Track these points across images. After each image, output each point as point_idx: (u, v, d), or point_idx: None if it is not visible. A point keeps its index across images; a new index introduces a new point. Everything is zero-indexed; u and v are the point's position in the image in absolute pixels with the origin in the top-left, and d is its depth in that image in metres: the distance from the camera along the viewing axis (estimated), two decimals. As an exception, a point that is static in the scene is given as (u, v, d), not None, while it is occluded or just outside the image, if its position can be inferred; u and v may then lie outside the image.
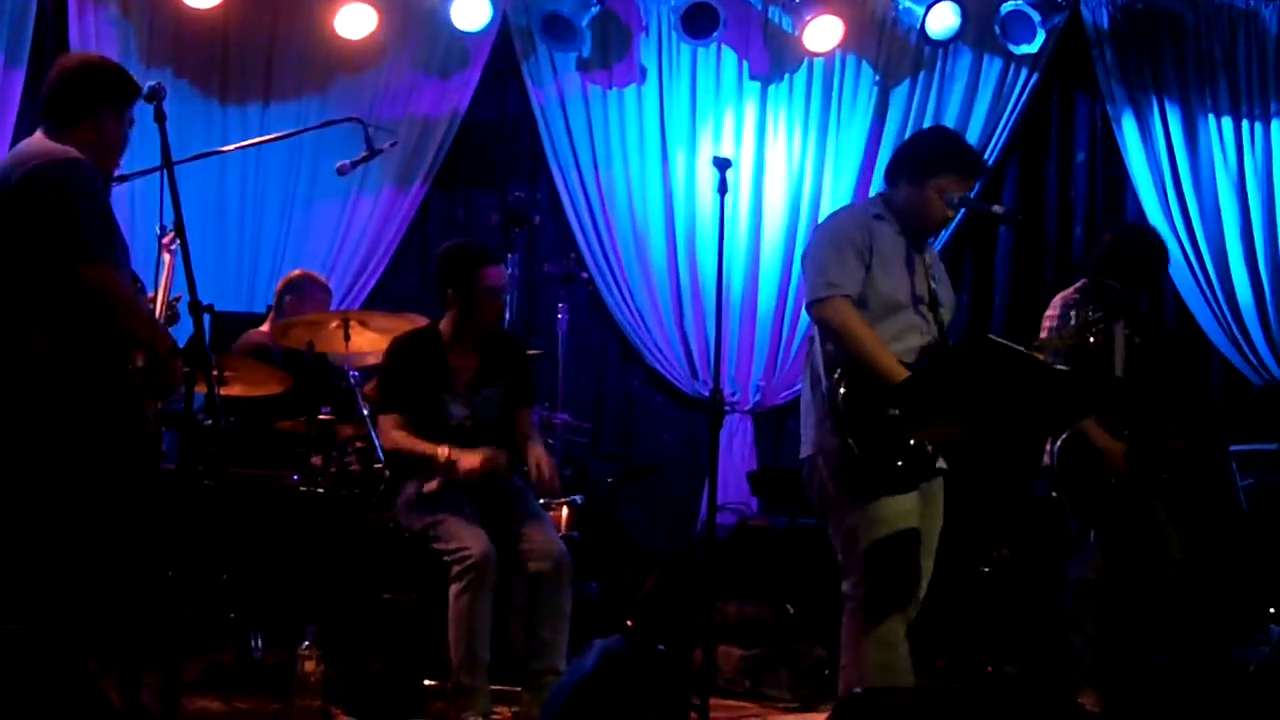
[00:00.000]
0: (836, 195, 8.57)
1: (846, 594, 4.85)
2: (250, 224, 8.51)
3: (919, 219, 4.91)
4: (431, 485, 5.68)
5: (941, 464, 4.85)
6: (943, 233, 8.30)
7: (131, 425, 4.61)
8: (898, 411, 4.56)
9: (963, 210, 7.23)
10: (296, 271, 7.49)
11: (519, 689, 5.63)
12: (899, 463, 4.65)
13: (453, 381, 5.85)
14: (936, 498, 4.92)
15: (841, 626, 4.87)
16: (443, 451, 5.63)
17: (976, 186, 8.26)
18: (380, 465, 6.25)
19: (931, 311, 4.89)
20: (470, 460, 5.56)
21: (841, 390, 4.65)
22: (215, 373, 5.75)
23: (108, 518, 4.50)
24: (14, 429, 4.46)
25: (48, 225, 4.47)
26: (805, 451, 4.93)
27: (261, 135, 7.71)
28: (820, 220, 5.86)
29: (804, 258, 4.98)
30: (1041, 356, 4.83)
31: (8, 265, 4.52)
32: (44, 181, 4.50)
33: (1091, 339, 5.20)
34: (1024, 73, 8.56)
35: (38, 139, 4.68)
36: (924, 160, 4.95)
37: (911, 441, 4.66)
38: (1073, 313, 5.59)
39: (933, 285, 4.91)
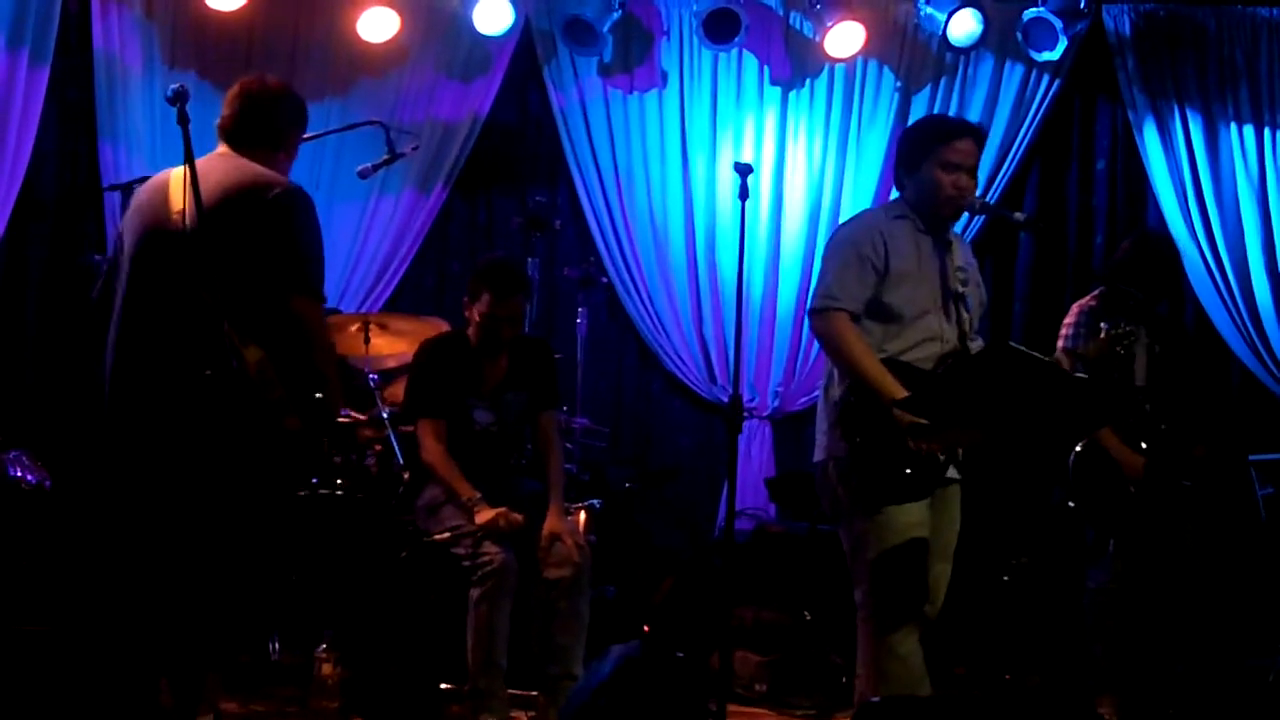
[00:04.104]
0: (857, 201, 8.55)
1: (858, 603, 4.85)
2: (271, 226, 8.51)
3: (932, 203, 4.89)
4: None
5: (953, 473, 4.84)
6: (969, 233, 8.36)
7: (307, 458, 4.65)
8: (913, 420, 4.56)
9: (984, 215, 7.25)
10: None
11: (536, 693, 5.65)
12: (908, 470, 4.64)
13: (479, 387, 5.87)
14: (952, 504, 4.90)
15: (857, 635, 4.88)
16: (467, 495, 5.65)
17: (995, 192, 8.33)
18: (400, 467, 6.27)
19: (958, 313, 4.88)
20: (485, 515, 5.58)
21: (852, 396, 4.66)
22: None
23: (256, 542, 4.55)
24: (206, 439, 4.43)
25: (279, 251, 4.48)
26: (818, 456, 4.93)
27: (283, 137, 7.72)
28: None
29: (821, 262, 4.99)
30: (1067, 362, 4.82)
31: (229, 277, 4.45)
32: (289, 209, 4.53)
33: (1120, 350, 5.18)
34: (1045, 80, 8.54)
35: (245, 160, 4.66)
36: (914, 147, 4.98)
37: (922, 450, 4.65)
38: (1103, 324, 5.58)
39: (961, 287, 4.89)
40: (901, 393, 4.57)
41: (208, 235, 4.37)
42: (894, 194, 5.18)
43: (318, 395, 4.51)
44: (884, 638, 4.76)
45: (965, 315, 4.89)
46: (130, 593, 4.51)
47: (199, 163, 4.48)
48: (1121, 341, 5.19)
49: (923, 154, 4.90)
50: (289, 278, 4.50)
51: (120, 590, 4.56)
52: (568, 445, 7.00)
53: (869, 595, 4.80)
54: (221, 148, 4.74)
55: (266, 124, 4.78)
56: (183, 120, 4.54)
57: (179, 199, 4.54)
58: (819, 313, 4.80)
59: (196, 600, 4.45)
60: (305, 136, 7.07)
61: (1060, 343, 6.09)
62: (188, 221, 4.42)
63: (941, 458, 4.69)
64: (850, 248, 4.85)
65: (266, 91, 4.82)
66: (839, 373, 4.80)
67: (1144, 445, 5.94)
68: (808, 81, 8.73)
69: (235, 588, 4.56)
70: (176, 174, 4.63)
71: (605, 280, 8.42)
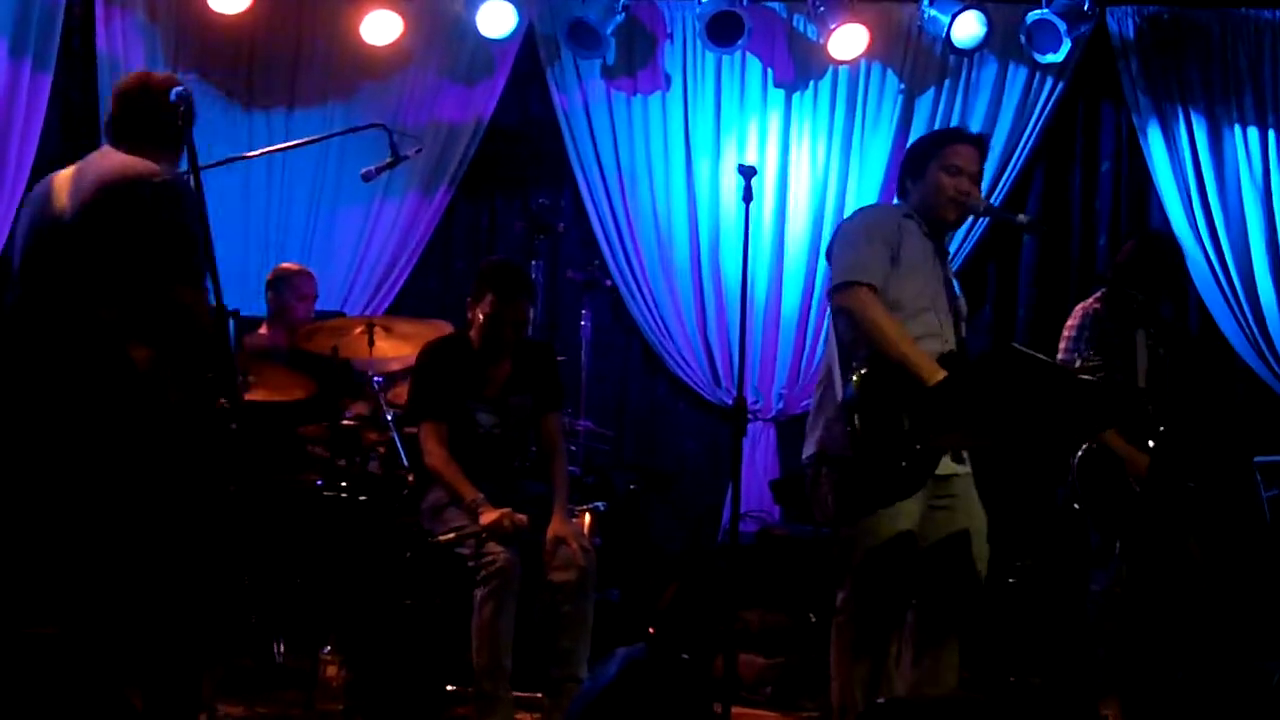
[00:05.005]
0: (860, 203, 8.53)
1: (839, 605, 4.84)
2: (275, 229, 8.54)
3: (938, 206, 4.90)
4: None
5: (954, 468, 4.82)
6: (966, 244, 8.35)
7: (215, 450, 4.64)
8: (918, 418, 4.54)
9: (987, 218, 7.23)
10: (278, 268, 7.52)
11: (541, 695, 5.64)
12: (903, 463, 4.61)
13: (483, 389, 5.87)
14: (966, 499, 4.88)
15: (831, 640, 4.87)
16: (471, 497, 5.64)
17: (999, 195, 8.33)
18: (405, 470, 6.27)
19: (953, 318, 4.89)
20: (489, 516, 5.57)
21: (854, 377, 4.60)
22: (239, 378, 5.77)
23: (193, 541, 4.54)
24: (107, 441, 4.43)
25: (161, 242, 4.46)
26: (808, 451, 4.92)
27: (286, 140, 7.73)
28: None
29: (831, 245, 4.95)
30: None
31: (106, 273, 4.50)
32: (167, 199, 4.50)
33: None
34: (1049, 82, 8.53)
35: (129, 157, 4.64)
36: (919, 153, 5.02)
37: (917, 445, 4.62)
38: (1078, 353, 5.57)
39: (956, 294, 4.92)
40: (939, 374, 4.55)
41: (89, 229, 4.43)
42: (897, 199, 5.18)
43: (209, 375, 4.53)
44: (864, 645, 4.77)
45: (961, 321, 4.91)
46: (77, 598, 4.50)
47: (81, 163, 4.53)
48: (1093, 375, 5.19)
49: (927, 158, 4.94)
50: (171, 266, 4.47)
51: (67, 595, 4.54)
52: (572, 448, 7.01)
53: (851, 600, 4.81)
54: (104, 146, 4.73)
55: (147, 122, 4.71)
56: (185, 122, 4.56)
57: (62, 197, 4.57)
58: (843, 288, 4.74)
59: (145, 605, 4.44)
60: (309, 140, 7.15)
61: (1063, 344, 6.09)
62: (68, 216, 4.49)
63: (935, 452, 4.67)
64: (869, 228, 4.85)
65: (146, 90, 4.77)
66: (840, 356, 4.76)
67: (1149, 446, 5.93)
68: (811, 84, 8.73)
69: (186, 590, 4.54)
70: (62, 174, 4.67)
71: (609, 283, 8.43)
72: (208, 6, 8.07)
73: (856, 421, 4.55)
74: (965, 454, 4.85)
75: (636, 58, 8.70)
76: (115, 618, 4.42)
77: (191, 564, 4.54)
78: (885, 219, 4.89)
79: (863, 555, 4.73)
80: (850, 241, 4.84)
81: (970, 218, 5.18)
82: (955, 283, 5.03)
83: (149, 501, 4.43)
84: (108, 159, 4.65)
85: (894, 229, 4.82)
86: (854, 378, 4.59)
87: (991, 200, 8.15)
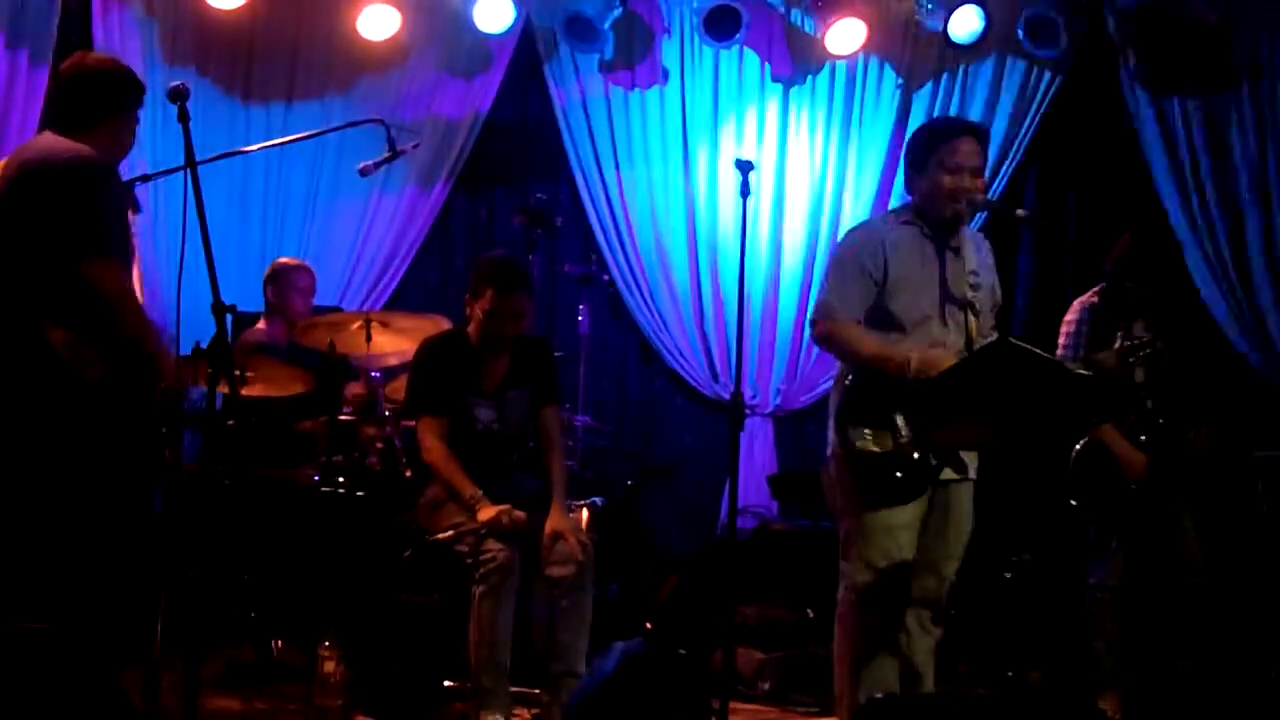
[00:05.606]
0: (858, 198, 8.56)
1: (839, 598, 4.94)
2: (273, 224, 8.53)
3: (939, 203, 4.92)
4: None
5: (960, 474, 4.85)
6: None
7: (147, 430, 4.63)
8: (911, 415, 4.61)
9: (985, 212, 7.23)
10: (276, 263, 7.51)
11: (539, 690, 5.64)
12: (897, 474, 4.68)
13: (481, 384, 5.86)
14: (958, 504, 4.93)
15: (834, 635, 4.94)
16: (469, 493, 5.62)
17: (996, 189, 8.31)
18: (403, 465, 6.27)
19: (964, 318, 4.88)
20: (487, 513, 5.54)
21: (849, 383, 4.77)
22: (237, 372, 5.77)
23: (123, 520, 4.52)
24: (33, 428, 4.45)
25: (69, 220, 4.48)
26: (827, 452, 5.00)
27: (284, 135, 7.72)
28: (843, 227, 5.82)
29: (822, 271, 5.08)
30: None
31: (21, 258, 4.51)
32: (75, 177, 4.52)
33: (1132, 361, 5.18)
34: (1047, 76, 8.53)
35: (53, 137, 4.67)
36: (920, 147, 5.04)
37: (914, 455, 4.68)
38: (1119, 334, 5.57)
39: (972, 292, 4.90)
40: (910, 355, 4.66)
41: (5, 213, 4.48)
42: (895, 192, 5.20)
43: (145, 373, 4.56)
44: (862, 638, 4.84)
45: (973, 321, 4.90)
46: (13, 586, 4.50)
47: (16, 150, 4.59)
48: (1135, 353, 5.21)
49: (927, 156, 4.95)
50: (77, 243, 4.48)
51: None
52: (570, 443, 6.99)
53: (850, 594, 4.87)
54: (45, 131, 4.77)
55: (77, 104, 4.73)
56: (183, 117, 4.57)
57: None
58: (819, 323, 4.94)
59: (78, 592, 4.45)
60: (306, 135, 7.14)
61: (1061, 339, 6.09)
62: None
63: (934, 461, 4.72)
64: (850, 260, 4.94)
65: (78, 72, 4.78)
66: (840, 366, 4.87)
67: (1144, 440, 5.93)
68: (809, 78, 8.72)
69: (117, 575, 4.55)
70: None
71: (607, 278, 8.44)
72: (205, 1, 8.05)
73: (851, 434, 4.67)
74: (968, 463, 4.88)
75: (634, 52, 8.69)
76: (57, 605, 4.43)
77: (125, 549, 4.54)
78: (868, 244, 4.95)
79: (863, 551, 4.77)
80: (831, 277, 4.99)
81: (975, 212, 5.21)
82: (986, 271, 5.03)
83: (78, 487, 4.44)
84: (36, 143, 4.71)
85: (878, 253, 4.90)
86: (849, 384, 4.69)
87: (989, 194, 8.15)
